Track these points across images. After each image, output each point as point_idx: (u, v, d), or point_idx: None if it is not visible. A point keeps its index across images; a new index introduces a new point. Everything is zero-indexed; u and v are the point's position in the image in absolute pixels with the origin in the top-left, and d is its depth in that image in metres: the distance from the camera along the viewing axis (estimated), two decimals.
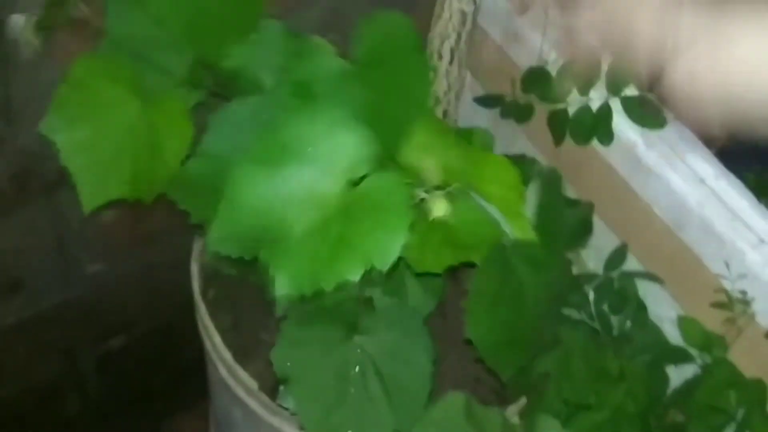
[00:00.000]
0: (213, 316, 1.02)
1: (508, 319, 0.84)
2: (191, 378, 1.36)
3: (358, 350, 0.85)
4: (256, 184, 0.73)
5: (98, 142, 0.80)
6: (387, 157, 0.75)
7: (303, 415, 0.85)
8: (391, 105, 0.81)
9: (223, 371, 1.00)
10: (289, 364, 0.84)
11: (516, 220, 0.79)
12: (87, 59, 0.80)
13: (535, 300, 0.85)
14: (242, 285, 1.05)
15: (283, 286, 0.72)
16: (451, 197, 0.75)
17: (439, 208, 0.74)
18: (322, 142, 0.73)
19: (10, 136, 0.96)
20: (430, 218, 0.75)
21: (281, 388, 0.91)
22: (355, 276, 0.72)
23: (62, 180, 1.03)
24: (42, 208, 1.06)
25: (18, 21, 0.83)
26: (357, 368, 0.84)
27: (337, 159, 0.73)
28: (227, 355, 0.98)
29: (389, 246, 0.72)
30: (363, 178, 0.75)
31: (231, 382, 1.00)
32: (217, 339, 0.99)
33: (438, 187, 0.76)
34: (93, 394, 1.37)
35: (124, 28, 0.81)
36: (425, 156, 0.76)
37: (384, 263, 0.72)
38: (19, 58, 0.88)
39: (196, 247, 1.07)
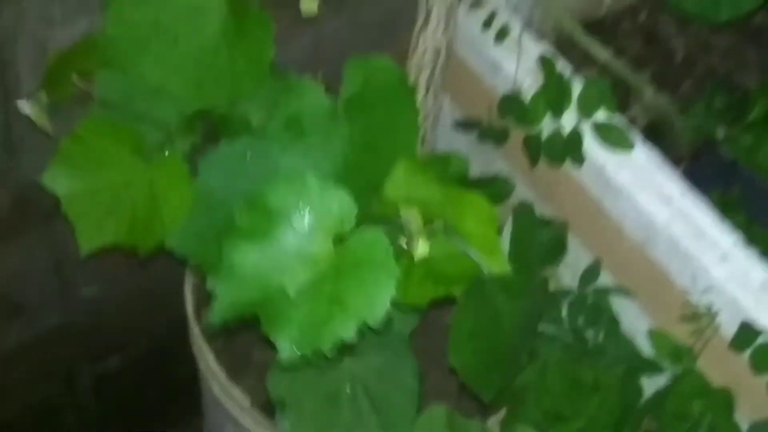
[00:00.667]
0: (206, 336, 1.06)
1: (488, 346, 0.89)
2: (185, 396, 1.39)
3: (349, 373, 0.89)
4: (249, 256, 0.76)
5: (98, 192, 0.84)
6: (373, 195, 0.79)
7: None
8: (379, 143, 0.85)
9: (216, 389, 1.04)
10: (283, 388, 0.88)
11: (492, 255, 0.83)
12: (92, 121, 0.84)
13: (512, 326, 0.90)
14: None
15: (284, 350, 0.76)
16: (431, 234, 0.79)
17: (422, 249, 0.78)
18: (310, 206, 0.76)
19: (12, 167, 1.00)
20: (414, 259, 0.78)
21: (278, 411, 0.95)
22: (349, 335, 0.75)
23: (59, 209, 1.08)
24: (41, 235, 1.10)
25: (24, 107, 0.86)
26: (348, 390, 0.88)
27: (325, 219, 0.76)
28: (220, 374, 1.02)
29: (379, 302, 0.75)
30: (350, 231, 0.77)
31: (224, 399, 1.04)
32: (211, 359, 1.03)
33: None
34: (90, 413, 1.40)
35: (115, 94, 0.85)
36: (406, 195, 0.80)
37: (375, 319, 0.76)
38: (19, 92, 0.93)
39: (189, 271, 1.11)
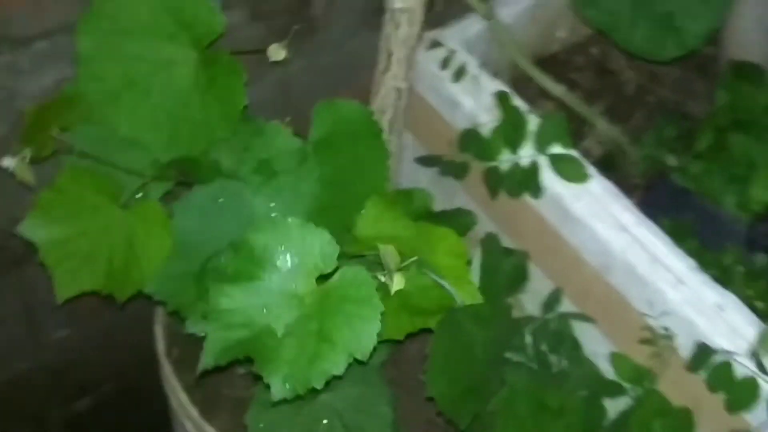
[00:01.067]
0: (177, 374, 1.07)
1: (462, 375, 0.92)
2: None
3: (325, 405, 0.91)
4: (236, 299, 0.79)
5: (75, 240, 0.85)
6: (345, 232, 0.82)
7: None
8: (349, 183, 0.88)
9: (189, 426, 1.05)
10: (262, 425, 0.90)
11: (463, 286, 0.86)
12: (69, 171, 0.85)
13: (484, 353, 0.93)
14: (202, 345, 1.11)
15: (278, 391, 0.78)
16: (405, 269, 0.81)
17: (399, 283, 0.80)
18: (292, 247, 0.78)
19: None
20: (391, 293, 0.80)
21: None
22: (339, 370, 0.78)
23: (29, 254, 1.08)
24: (11, 281, 1.11)
25: (9, 164, 0.88)
26: (325, 422, 0.90)
27: (308, 259, 0.79)
28: (193, 412, 1.03)
29: (367, 336, 0.77)
30: (333, 271, 0.80)
31: None
32: (183, 397, 1.04)
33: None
34: None
35: (91, 145, 0.87)
36: (377, 232, 0.83)
37: (364, 353, 0.78)
38: None
39: (159, 310, 1.12)
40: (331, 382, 0.80)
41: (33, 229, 0.85)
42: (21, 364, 1.22)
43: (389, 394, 0.93)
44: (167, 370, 1.07)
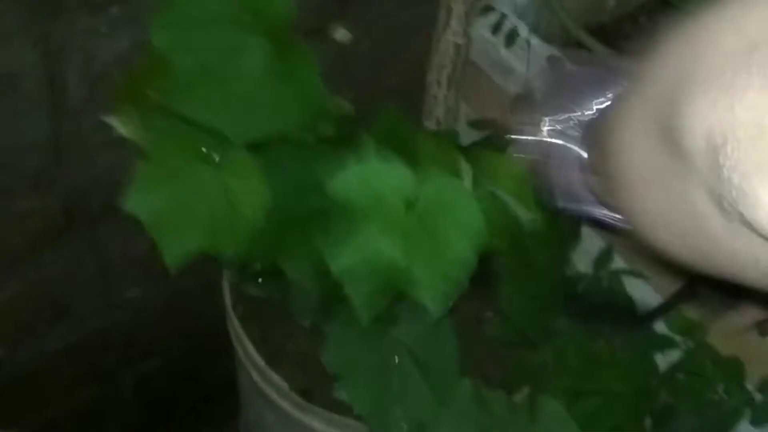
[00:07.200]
0: (244, 326, 1.13)
1: (529, 289, 0.97)
2: (221, 399, 1.46)
3: (396, 342, 0.96)
4: (361, 249, 0.85)
5: (176, 207, 0.88)
6: None
7: (357, 405, 0.96)
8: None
9: (256, 376, 1.10)
10: (337, 361, 0.95)
11: (526, 203, 0.91)
12: (160, 137, 0.89)
13: (544, 269, 0.98)
14: (267, 303, 1.16)
15: (432, 307, 0.86)
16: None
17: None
18: (380, 181, 0.85)
19: (60, 174, 1.07)
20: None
21: (336, 384, 1.02)
22: (468, 268, 0.85)
23: (105, 214, 1.15)
24: (87, 240, 1.17)
25: (112, 122, 0.90)
26: (396, 358, 0.95)
27: (396, 194, 0.85)
28: (260, 361, 1.08)
29: (472, 230, 0.84)
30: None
31: (263, 386, 1.10)
32: (250, 347, 1.10)
33: None
34: (131, 416, 1.47)
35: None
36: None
37: (478, 243, 0.85)
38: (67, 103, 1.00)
39: (226, 270, 1.18)
40: (400, 318, 0.85)
41: (137, 207, 0.87)
42: (94, 322, 1.28)
43: (452, 328, 0.97)
44: (235, 323, 1.12)
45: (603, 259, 1.14)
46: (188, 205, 0.89)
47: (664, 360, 1.10)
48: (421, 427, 0.95)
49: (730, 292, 0.94)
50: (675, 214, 0.46)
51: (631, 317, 1.08)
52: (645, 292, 1.12)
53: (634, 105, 0.48)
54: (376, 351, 0.95)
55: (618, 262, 1.14)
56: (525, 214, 0.89)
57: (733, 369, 1.02)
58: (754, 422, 1.02)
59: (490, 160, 0.90)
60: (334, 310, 0.95)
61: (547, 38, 1.22)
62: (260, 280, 1.10)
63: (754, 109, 0.36)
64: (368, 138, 0.88)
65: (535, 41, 1.19)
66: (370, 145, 0.87)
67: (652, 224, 0.50)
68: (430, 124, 1.16)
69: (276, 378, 1.08)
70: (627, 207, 0.56)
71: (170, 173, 0.89)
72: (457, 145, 1.00)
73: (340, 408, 1.03)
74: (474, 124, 1.22)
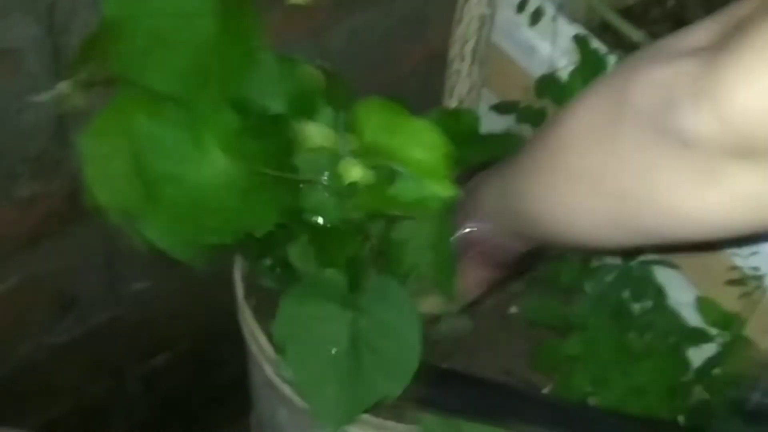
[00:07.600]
0: (257, 321, 1.08)
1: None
2: (231, 396, 1.41)
3: (351, 325, 0.90)
4: None
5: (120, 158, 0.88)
6: None
7: (299, 386, 0.92)
8: None
9: (268, 370, 1.06)
10: (286, 335, 0.90)
11: (437, 179, 0.84)
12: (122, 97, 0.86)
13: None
14: (279, 295, 1.11)
15: None
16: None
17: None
18: None
19: (64, 158, 1.03)
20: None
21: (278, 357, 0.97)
22: None
23: None
24: (93, 229, 1.12)
25: (62, 87, 0.89)
26: (349, 342, 0.89)
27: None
28: (273, 354, 1.04)
29: None
30: None
31: (277, 381, 1.05)
32: (263, 339, 1.05)
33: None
34: (138, 412, 1.43)
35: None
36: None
37: None
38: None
39: (238, 258, 1.13)
40: (359, 301, 0.86)
41: (86, 146, 0.86)
42: (100, 315, 1.24)
43: (416, 320, 0.90)
44: (247, 314, 1.08)
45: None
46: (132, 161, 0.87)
47: (698, 354, 1.05)
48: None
49: None
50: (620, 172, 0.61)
51: None
52: (678, 284, 1.07)
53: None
54: (329, 330, 0.90)
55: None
56: (433, 186, 0.83)
57: None
58: None
59: (408, 126, 0.83)
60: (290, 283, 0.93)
61: (573, 18, 1.17)
62: (277, 269, 1.05)
63: None
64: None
65: (560, 20, 1.14)
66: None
67: (580, 213, 0.66)
68: (451, 103, 1.11)
69: (289, 372, 1.03)
70: (549, 215, 0.72)
71: (123, 126, 0.86)
72: (459, 129, 0.94)
73: None
74: (498, 108, 1.17)
